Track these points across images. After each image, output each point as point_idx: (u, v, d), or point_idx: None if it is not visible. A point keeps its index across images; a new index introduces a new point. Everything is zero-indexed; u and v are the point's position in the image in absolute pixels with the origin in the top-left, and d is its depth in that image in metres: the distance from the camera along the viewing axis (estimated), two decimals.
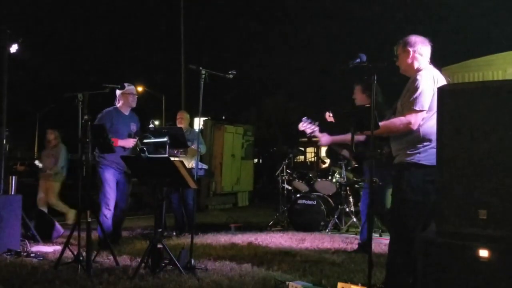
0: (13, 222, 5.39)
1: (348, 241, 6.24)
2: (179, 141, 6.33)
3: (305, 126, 5.58)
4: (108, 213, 5.73)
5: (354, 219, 7.42)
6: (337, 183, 7.74)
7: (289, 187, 8.68)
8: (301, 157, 24.12)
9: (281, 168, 8.54)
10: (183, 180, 4.40)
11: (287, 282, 3.83)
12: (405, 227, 3.42)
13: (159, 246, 4.36)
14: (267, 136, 25.82)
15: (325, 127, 5.29)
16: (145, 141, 6.03)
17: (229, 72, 4.96)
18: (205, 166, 7.60)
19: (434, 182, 2.95)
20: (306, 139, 12.84)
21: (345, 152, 6.68)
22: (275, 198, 9.34)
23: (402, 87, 3.64)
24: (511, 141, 2.64)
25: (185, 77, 17.90)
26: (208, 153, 10.70)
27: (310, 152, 27.36)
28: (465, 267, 2.65)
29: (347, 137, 5.68)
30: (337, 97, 21.95)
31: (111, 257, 4.83)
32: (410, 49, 3.62)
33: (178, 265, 4.33)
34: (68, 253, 4.60)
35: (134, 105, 6.06)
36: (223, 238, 6.46)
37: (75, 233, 4.61)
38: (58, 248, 5.30)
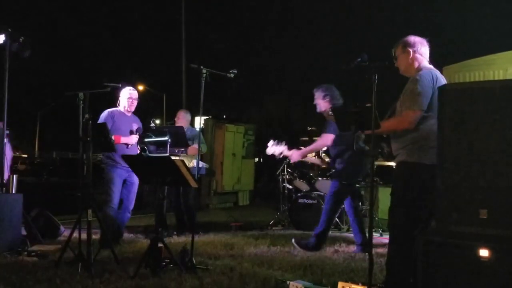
0: (13, 221, 5.38)
1: (349, 241, 6.24)
2: (180, 140, 6.33)
3: (273, 149, 5.63)
4: (111, 210, 5.73)
5: None
6: None
7: (290, 186, 8.69)
8: None
9: (281, 167, 8.56)
10: (184, 179, 4.41)
11: (287, 282, 3.83)
12: (405, 226, 3.42)
13: (160, 245, 4.36)
14: (268, 135, 25.80)
15: (292, 145, 5.37)
16: (146, 140, 6.04)
17: (230, 71, 4.96)
18: (206, 165, 7.60)
19: (434, 182, 2.96)
20: (307, 138, 12.79)
21: (316, 160, 6.90)
22: (276, 197, 9.35)
23: (402, 87, 3.64)
24: (511, 141, 2.64)
25: (186, 76, 17.89)
26: (209, 152, 10.71)
27: None
28: (465, 267, 2.65)
29: (316, 146, 5.80)
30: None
31: (112, 256, 4.83)
32: (410, 50, 3.62)
33: (179, 264, 4.34)
34: (69, 252, 4.60)
35: (132, 109, 6.06)
36: (224, 237, 6.47)
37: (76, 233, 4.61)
38: (59, 247, 5.30)
